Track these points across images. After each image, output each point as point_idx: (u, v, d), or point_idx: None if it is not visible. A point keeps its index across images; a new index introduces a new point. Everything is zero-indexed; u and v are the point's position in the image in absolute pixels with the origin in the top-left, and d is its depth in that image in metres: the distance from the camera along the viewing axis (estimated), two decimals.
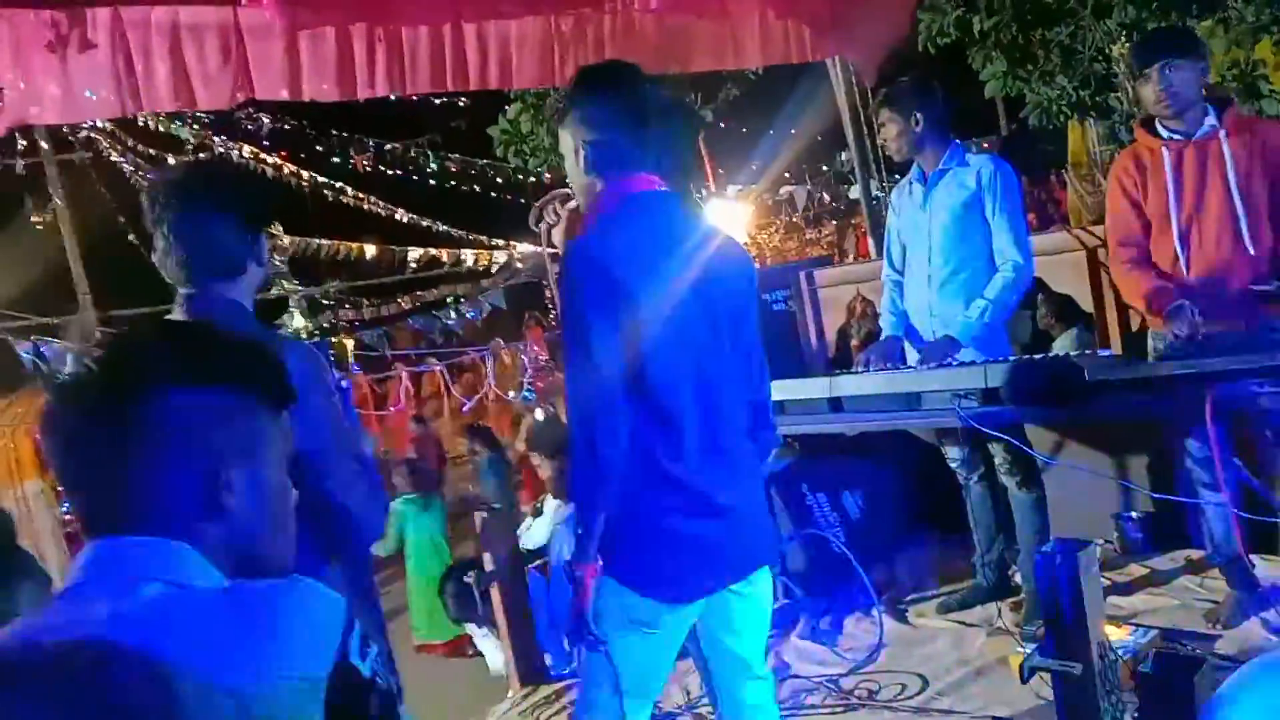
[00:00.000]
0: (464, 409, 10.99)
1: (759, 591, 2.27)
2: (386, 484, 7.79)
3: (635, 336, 2.00)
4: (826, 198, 16.38)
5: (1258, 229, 3.06)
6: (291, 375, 1.17)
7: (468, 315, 13.12)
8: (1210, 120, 3.12)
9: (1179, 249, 3.15)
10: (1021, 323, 5.40)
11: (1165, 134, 3.18)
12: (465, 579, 4.37)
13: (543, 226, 2.59)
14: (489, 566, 3.83)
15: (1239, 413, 2.76)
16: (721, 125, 12.94)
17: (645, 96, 2.17)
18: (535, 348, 11.13)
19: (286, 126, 17.15)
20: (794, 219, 16.48)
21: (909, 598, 4.07)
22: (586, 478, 2.01)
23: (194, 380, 1.05)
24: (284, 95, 3.35)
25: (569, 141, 2.18)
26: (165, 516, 1.04)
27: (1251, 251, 3.06)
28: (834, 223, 15.83)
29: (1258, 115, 8.04)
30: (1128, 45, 7.15)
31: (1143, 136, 3.25)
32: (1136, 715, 2.02)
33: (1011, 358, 3.35)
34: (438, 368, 10.29)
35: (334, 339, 10.45)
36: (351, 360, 10.23)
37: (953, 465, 3.79)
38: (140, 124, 15.40)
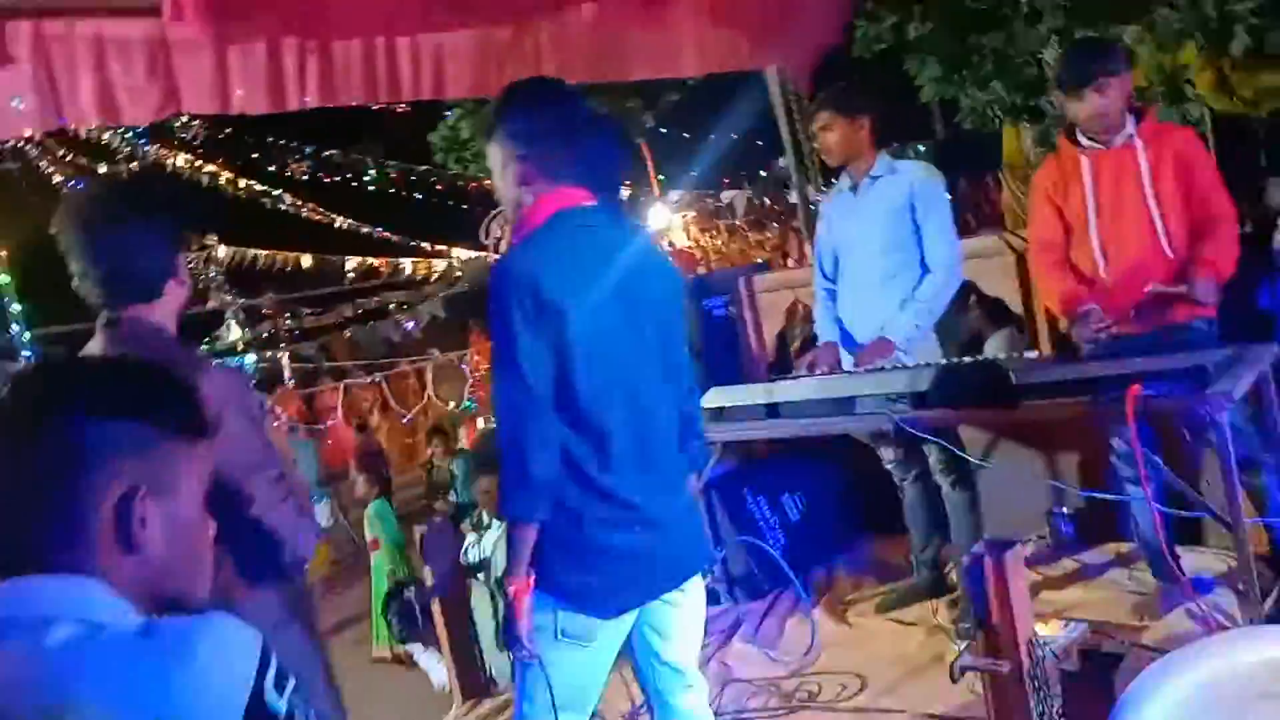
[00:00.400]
0: (404, 421, 10.90)
1: (692, 600, 2.30)
2: (350, 494, 7.72)
3: (563, 351, 2.02)
4: (768, 201, 16.54)
5: (1173, 233, 3.17)
6: (210, 401, 1.16)
7: (406, 326, 13.04)
8: (1128, 129, 3.22)
9: (1098, 254, 3.26)
10: (956, 325, 5.50)
11: (1085, 143, 3.28)
12: (406, 595, 4.35)
13: (491, 240, 2.61)
14: (429, 581, 3.81)
15: (1159, 412, 2.85)
16: (662, 131, 13.01)
17: (573, 110, 2.20)
18: (477, 357, 11.07)
19: (222, 135, 16.86)
20: (736, 223, 16.61)
21: (849, 598, 4.13)
22: (517, 494, 2.02)
23: (103, 413, 1.05)
24: (213, 109, 3.31)
25: (497, 156, 2.19)
26: (76, 553, 1.03)
27: (1169, 255, 3.17)
28: (776, 226, 15.97)
29: (1183, 119, 8.31)
30: (1060, 49, 7.30)
31: (1064, 145, 3.35)
32: (1060, 713, 2.06)
33: (942, 361, 3.42)
34: (376, 378, 10.22)
35: (267, 353, 10.34)
36: (288, 375, 10.11)
37: (888, 466, 3.86)
38: (71, 133, 15.06)
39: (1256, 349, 3.09)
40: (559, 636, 2.12)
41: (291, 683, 1.02)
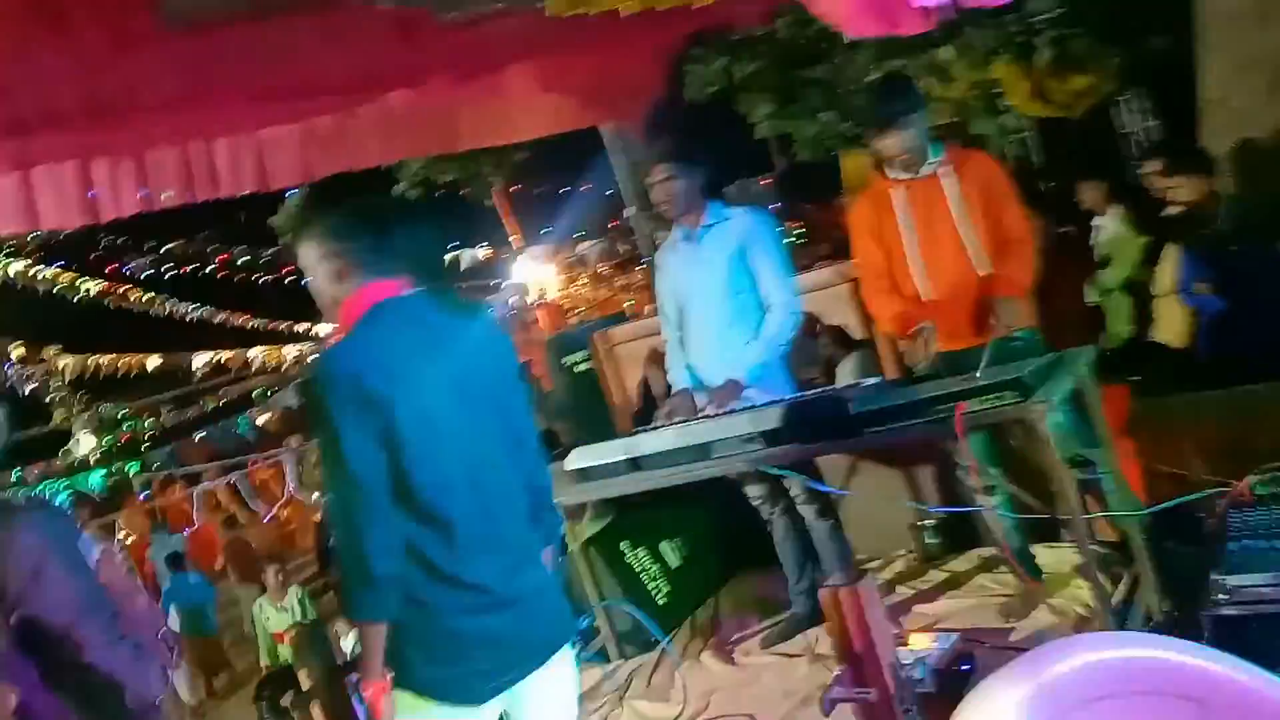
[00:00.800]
0: (266, 518, 10.57)
1: (560, 674, 2.29)
2: (262, 587, 7.39)
3: (394, 443, 2.00)
4: (620, 250, 16.79)
5: (985, 252, 3.35)
6: (23, 557, 1.13)
7: (255, 423, 12.70)
8: (932, 159, 3.41)
9: (917, 278, 3.42)
10: (809, 353, 5.66)
11: (893, 175, 3.45)
12: (282, 703, 4.19)
13: None
14: (305, 684, 3.69)
15: (987, 425, 2.99)
16: (513, 190, 13.07)
17: (381, 201, 2.21)
18: None
19: (58, 240, 16.18)
20: (597, 271, 16.79)
21: (735, 637, 4.16)
22: (361, 594, 1.99)
23: None
24: (22, 228, 3.19)
25: (310, 255, 2.18)
26: None
27: (980, 272, 3.35)
28: (638, 272, 16.23)
29: (1001, 130, 8.81)
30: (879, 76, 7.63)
31: (875, 179, 3.53)
32: None
33: (788, 397, 3.52)
34: (231, 479, 9.90)
35: (116, 465, 9.92)
36: (138, 488, 9.71)
37: (755, 503, 3.92)
38: None
39: (1073, 353, 3.29)
40: None
41: None
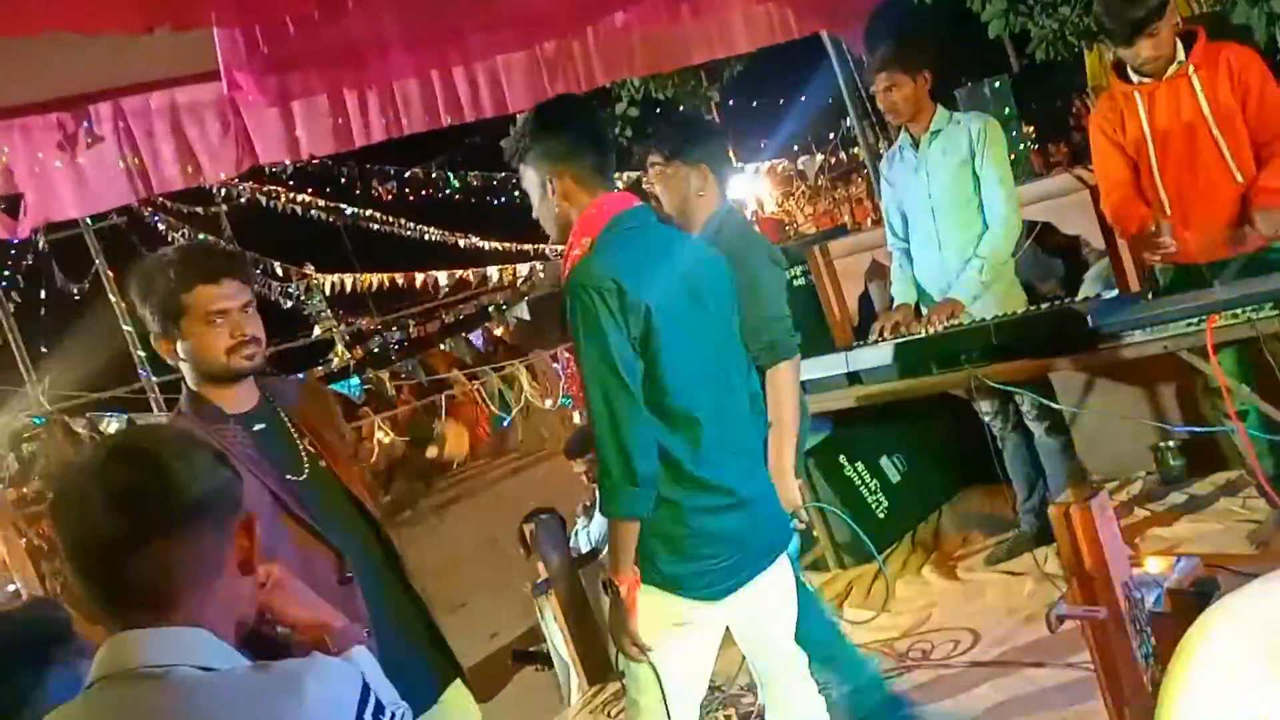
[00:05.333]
0: (504, 423, 11.17)
1: (782, 575, 2.37)
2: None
3: (650, 348, 2.08)
4: (844, 161, 16.32)
5: (1239, 157, 3.09)
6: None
7: (495, 332, 13.32)
8: (1179, 57, 3.14)
9: (1162, 188, 3.19)
10: (1043, 266, 5.41)
11: (1136, 79, 3.21)
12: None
13: None
14: (542, 574, 3.96)
15: (1239, 341, 2.80)
16: (730, 103, 12.94)
17: (597, 121, 2.30)
18: (568, 354, 11.24)
19: (309, 167, 17.42)
20: (816, 184, 16.44)
21: (957, 553, 4.13)
22: (622, 492, 2.08)
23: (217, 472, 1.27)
24: (286, 158, 3.50)
25: (534, 176, 2.26)
26: (190, 606, 1.18)
27: (1238, 179, 3.08)
28: (861, 181, 15.77)
29: (1269, 16, 7.91)
30: None
31: (1115, 83, 3.28)
32: (1151, 654, 2.08)
33: (1019, 311, 3.40)
34: (474, 385, 10.50)
35: (372, 373, 10.66)
36: (390, 391, 10.45)
37: (985, 419, 3.84)
38: None
39: None
40: (668, 627, 2.18)
41: (389, 712, 1.15)
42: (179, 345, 2.04)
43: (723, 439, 2.20)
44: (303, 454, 2.13)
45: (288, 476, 2.08)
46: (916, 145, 3.73)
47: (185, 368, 2.08)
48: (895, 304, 3.88)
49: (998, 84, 6.57)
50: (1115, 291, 3.50)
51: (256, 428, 2.09)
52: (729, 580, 2.23)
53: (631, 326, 2.05)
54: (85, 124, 3.21)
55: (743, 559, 2.25)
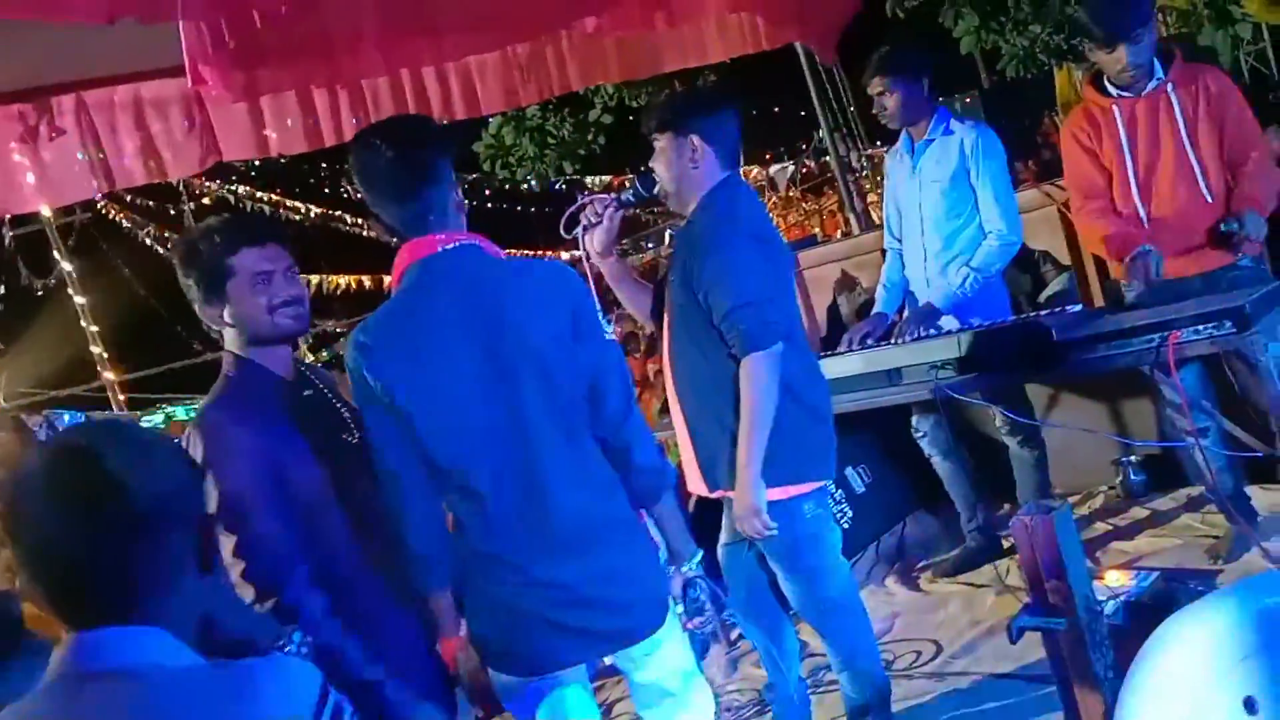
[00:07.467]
0: None
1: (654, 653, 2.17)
2: None
3: (405, 421, 2.02)
4: (815, 169, 16.43)
5: (1211, 176, 3.13)
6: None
7: None
8: (1157, 74, 3.18)
9: (1138, 202, 3.22)
10: (1020, 276, 5.45)
11: (1114, 92, 3.24)
12: None
13: (579, 230, 2.68)
14: None
15: (1202, 357, 2.82)
16: None
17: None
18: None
19: (280, 163, 17.27)
20: (787, 194, 16.52)
21: (920, 565, 4.14)
22: (408, 571, 2.05)
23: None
24: (252, 155, 3.46)
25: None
26: (145, 605, 1.15)
27: (1208, 199, 3.12)
28: (831, 193, 15.88)
29: (1233, 41, 8.04)
30: None
31: (1092, 95, 3.31)
32: (1110, 666, 2.09)
33: (986, 324, 3.41)
34: None
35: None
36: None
37: (917, 437, 3.85)
38: None
39: None
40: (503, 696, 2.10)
41: (348, 713, 1.13)
42: (225, 311, 2.07)
43: (524, 512, 1.99)
44: (350, 420, 2.17)
45: (343, 437, 2.14)
46: (912, 151, 3.74)
47: (231, 334, 2.11)
48: (873, 311, 3.89)
49: (968, 99, 6.65)
50: (1079, 306, 3.52)
51: (305, 393, 2.16)
52: (546, 658, 2.05)
53: (383, 395, 1.97)
54: (47, 116, 3.16)
55: (561, 642, 2.04)
